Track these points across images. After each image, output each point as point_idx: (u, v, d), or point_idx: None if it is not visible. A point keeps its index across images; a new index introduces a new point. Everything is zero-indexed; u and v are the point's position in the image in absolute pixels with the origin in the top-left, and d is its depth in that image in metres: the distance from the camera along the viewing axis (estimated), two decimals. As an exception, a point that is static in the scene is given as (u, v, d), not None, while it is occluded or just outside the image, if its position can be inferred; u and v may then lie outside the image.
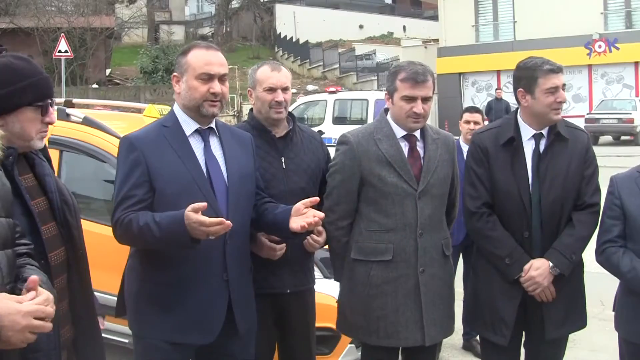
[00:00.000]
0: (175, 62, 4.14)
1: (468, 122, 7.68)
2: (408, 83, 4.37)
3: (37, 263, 2.98)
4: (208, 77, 3.92)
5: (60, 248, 3.29)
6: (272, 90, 4.58)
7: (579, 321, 4.72)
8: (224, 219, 3.52)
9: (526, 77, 4.53)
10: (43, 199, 3.28)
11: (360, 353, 4.93)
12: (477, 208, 4.59)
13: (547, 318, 4.56)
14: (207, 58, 3.95)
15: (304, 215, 3.94)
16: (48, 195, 3.30)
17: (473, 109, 7.87)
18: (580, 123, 20.59)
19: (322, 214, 3.98)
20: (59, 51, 25.75)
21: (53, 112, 3.32)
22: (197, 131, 4.00)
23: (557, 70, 4.46)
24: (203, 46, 4.07)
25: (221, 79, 3.98)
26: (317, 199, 4.04)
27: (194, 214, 3.49)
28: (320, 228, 4.45)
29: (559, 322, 4.59)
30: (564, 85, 4.51)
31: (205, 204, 3.55)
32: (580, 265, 4.66)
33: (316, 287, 4.97)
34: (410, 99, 4.37)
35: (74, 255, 3.35)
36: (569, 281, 4.57)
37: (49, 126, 3.33)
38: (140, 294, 4.02)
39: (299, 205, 3.98)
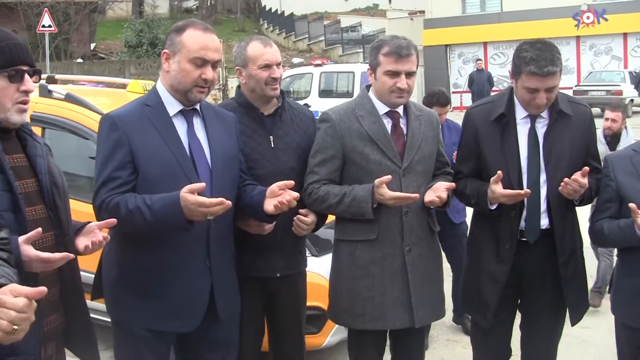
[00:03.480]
0: (167, 38, 3.91)
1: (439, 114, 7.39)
2: (391, 57, 4.25)
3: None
4: (202, 62, 3.78)
5: (50, 232, 3.17)
6: (268, 67, 4.43)
7: (587, 302, 4.74)
8: (224, 199, 3.46)
9: (515, 63, 4.30)
10: (33, 180, 3.18)
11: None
12: (456, 179, 4.54)
13: (569, 304, 4.53)
14: (204, 41, 3.79)
15: (279, 196, 3.86)
16: (38, 176, 3.19)
17: (443, 100, 7.22)
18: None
19: (296, 194, 3.88)
20: (43, 26, 25.61)
21: (29, 80, 3.11)
22: (180, 112, 3.87)
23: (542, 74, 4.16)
24: (200, 27, 3.85)
25: (214, 65, 3.83)
26: (292, 182, 3.90)
27: (192, 195, 3.43)
28: (306, 210, 4.38)
29: (579, 306, 4.61)
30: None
31: (203, 184, 3.48)
32: (581, 246, 4.62)
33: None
34: (394, 74, 4.26)
35: (62, 241, 3.21)
36: (579, 263, 4.56)
37: (29, 100, 3.17)
38: (119, 280, 3.91)
39: (274, 187, 3.89)
